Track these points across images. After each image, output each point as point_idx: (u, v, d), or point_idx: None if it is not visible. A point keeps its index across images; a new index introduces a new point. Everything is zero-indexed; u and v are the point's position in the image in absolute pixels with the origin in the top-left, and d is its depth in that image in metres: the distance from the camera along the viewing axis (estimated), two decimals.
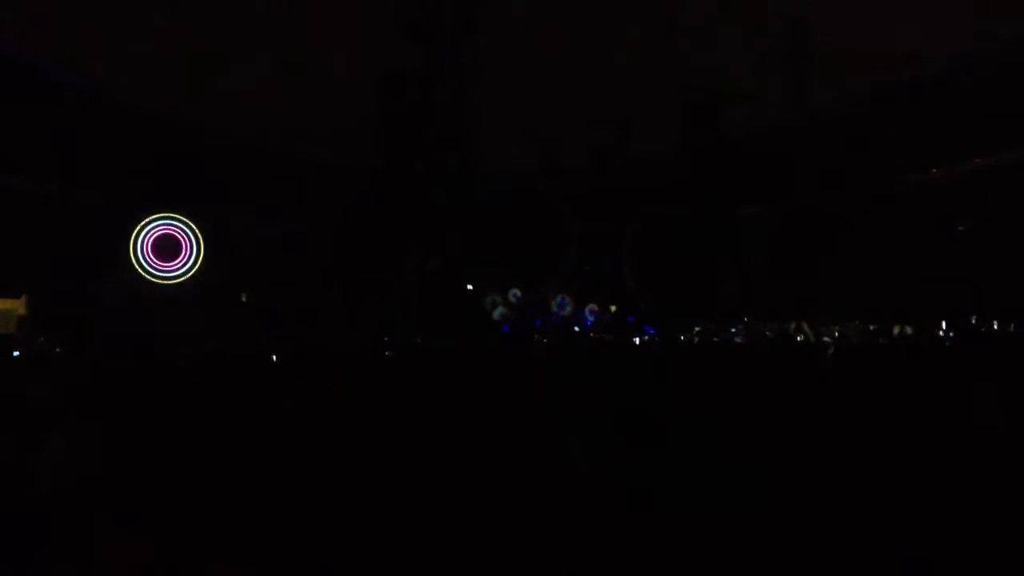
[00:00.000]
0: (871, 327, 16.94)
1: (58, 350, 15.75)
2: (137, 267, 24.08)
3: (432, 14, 19.62)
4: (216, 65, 20.81)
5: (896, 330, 17.47)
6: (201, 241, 24.94)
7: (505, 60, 20.67)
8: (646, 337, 21.98)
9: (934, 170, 22.38)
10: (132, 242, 23.88)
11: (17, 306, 21.37)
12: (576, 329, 24.77)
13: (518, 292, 27.54)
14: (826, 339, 16.48)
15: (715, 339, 20.81)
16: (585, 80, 22.63)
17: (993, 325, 18.43)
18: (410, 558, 4.39)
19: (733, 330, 22.15)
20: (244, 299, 25.40)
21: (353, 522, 4.77)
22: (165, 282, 24.48)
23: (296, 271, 26.59)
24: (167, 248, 24.53)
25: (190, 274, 24.88)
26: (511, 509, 4.92)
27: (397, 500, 5.04)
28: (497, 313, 26.54)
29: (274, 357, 11.21)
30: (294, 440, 6.12)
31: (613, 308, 27.31)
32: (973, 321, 19.09)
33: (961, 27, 18.90)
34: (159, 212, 24.12)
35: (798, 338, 16.88)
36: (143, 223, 23.94)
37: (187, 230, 24.75)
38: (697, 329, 21.96)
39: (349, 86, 21.04)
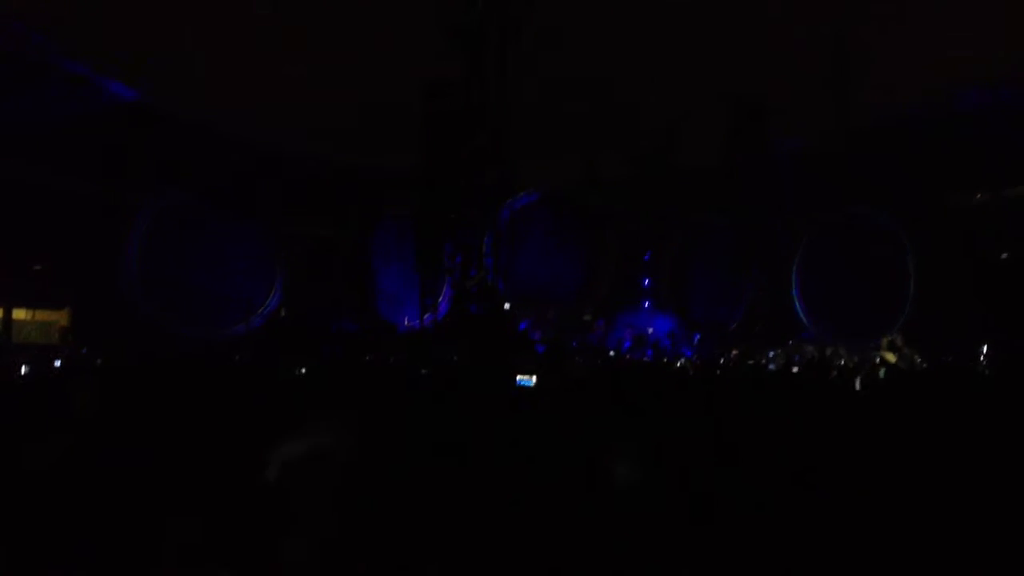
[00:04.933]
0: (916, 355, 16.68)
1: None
2: None
3: (475, 21, 19.62)
4: (250, 71, 20.92)
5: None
6: None
7: (546, 69, 20.62)
8: (683, 360, 21.85)
9: (979, 194, 22.11)
10: None
11: (60, 317, 21.63)
12: (612, 353, 24.66)
13: (555, 310, 27.51)
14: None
15: (750, 362, 20.65)
16: (627, 91, 22.55)
17: None
18: None
19: (771, 353, 21.95)
20: (282, 312, 25.52)
21: None
22: None
23: (327, 282, 26.66)
24: None
25: None
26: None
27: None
28: (533, 331, 26.50)
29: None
30: None
31: (650, 330, 27.19)
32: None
33: (1010, 50, 18.68)
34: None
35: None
36: None
37: None
38: (735, 352, 21.80)
39: (387, 93, 21.10)
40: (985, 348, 18.62)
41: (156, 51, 19.98)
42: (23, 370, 11.99)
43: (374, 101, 21.57)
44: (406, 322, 25.85)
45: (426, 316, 24.03)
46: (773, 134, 23.77)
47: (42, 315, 21.53)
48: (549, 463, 6.00)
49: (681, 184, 26.50)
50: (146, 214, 23.16)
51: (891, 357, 16.27)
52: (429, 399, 8.92)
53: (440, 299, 25.23)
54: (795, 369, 16.37)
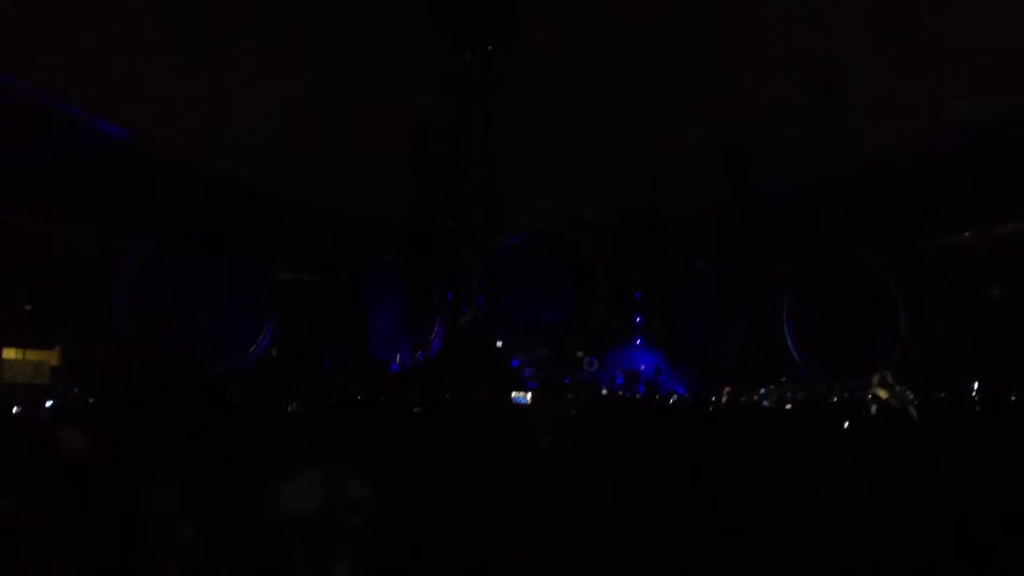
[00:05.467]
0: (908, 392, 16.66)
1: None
2: None
3: (464, 68, 19.74)
4: (236, 113, 21.03)
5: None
6: None
7: (532, 113, 20.75)
8: (675, 397, 21.89)
9: (967, 233, 22.28)
10: None
11: (50, 357, 21.50)
12: (604, 391, 24.66)
13: (546, 349, 27.49)
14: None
15: (742, 399, 20.66)
16: (613, 135, 22.70)
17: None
18: None
19: (763, 390, 21.97)
20: (274, 351, 25.44)
21: None
22: None
23: (318, 323, 26.59)
24: None
25: None
26: None
27: None
28: (525, 370, 26.49)
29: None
30: None
31: (642, 367, 27.23)
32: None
33: (995, 89, 18.91)
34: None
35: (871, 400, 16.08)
36: None
37: None
38: (727, 389, 21.80)
39: (378, 136, 21.21)
40: (976, 384, 18.68)
41: (147, 92, 20.07)
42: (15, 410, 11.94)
43: (365, 145, 21.69)
44: (398, 360, 25.79)
45: (418, 354, 24.01)
46: (760, 176, 23.90)
47: (32, 354, 21.40)
48: (545, 496, 6.01)
49: (668, 226, 26.66)
50: (136, 255, 23.12)
51: (883, 394, 16.28)
52: (422, 436, 8.91)
53: (432, 338, 25.22)
54: (788, 406, 16.40)
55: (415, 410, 12.73)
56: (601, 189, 25.26)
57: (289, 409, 12.81)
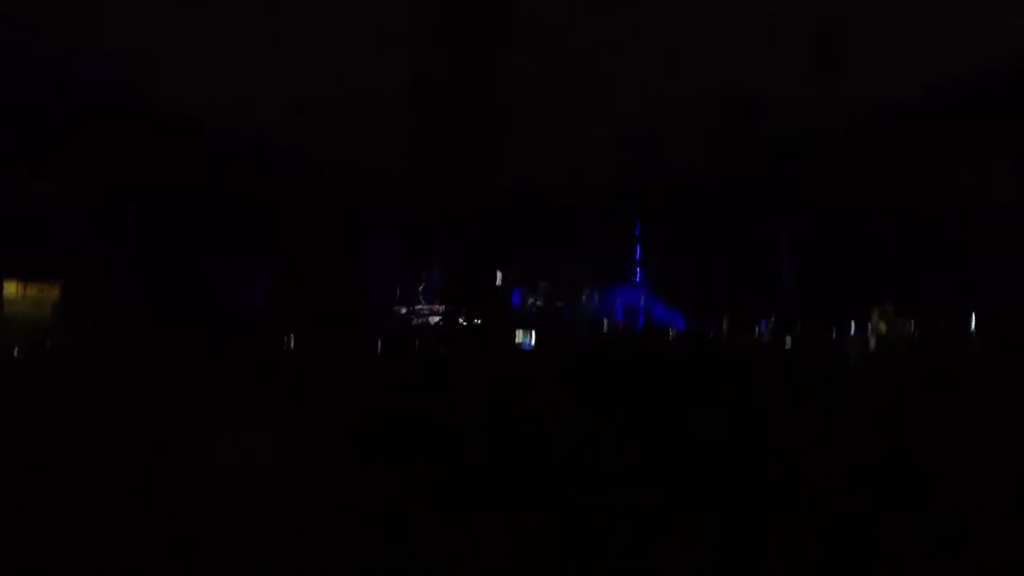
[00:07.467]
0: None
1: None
2: None
3: (461, 21, 19.56)
4: (235, 64, 20.83)
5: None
6: None
7: (530, 66, 20.60)
8: (673, 332, 22.00)
9: (970, 175, 22.15)
10: None
11: (51, 294, 21.50)
12: (605, 325, 24.77)
13: (546, 284, 27.54)
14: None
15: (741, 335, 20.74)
16: (612, 86, 22.54)
17: None
18: None
19: (763, 324, 22.04)
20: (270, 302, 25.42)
21: None
22: None
23: (321, 273, 26.58)
24: None
25: None
26: None
27: None
28: (526, 305, 26.58)
29: None
30: None
31: (642, 302, 27.31)
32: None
33: (996, 32, 18.70)
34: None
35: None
36: None
37: None
38: (725, 324, 21.90)
39: (377, 89, 21.06)
40: (974, 318, 18.77)
41: (145, 41, 19.86)
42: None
43: (364, 97, 21.55)
44: (397, 308, 25.87)
45: (417, 303, 24.18)
46: (759, 125, 23.76)
47: (33, 290, 21.42)
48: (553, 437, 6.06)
49: (668, 175, 26.59)
50: (134, 203, 23.06)
51: (882, 327, 16.39)
52: (427, 380, 8.98)
53: (433, 282, 25.26)
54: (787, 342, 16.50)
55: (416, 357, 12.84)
56: (602, 141, 25.13)
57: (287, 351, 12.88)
